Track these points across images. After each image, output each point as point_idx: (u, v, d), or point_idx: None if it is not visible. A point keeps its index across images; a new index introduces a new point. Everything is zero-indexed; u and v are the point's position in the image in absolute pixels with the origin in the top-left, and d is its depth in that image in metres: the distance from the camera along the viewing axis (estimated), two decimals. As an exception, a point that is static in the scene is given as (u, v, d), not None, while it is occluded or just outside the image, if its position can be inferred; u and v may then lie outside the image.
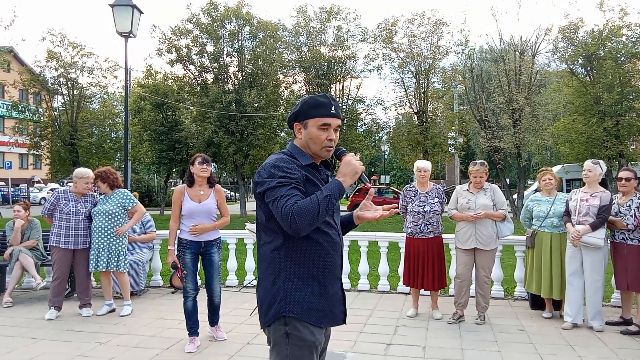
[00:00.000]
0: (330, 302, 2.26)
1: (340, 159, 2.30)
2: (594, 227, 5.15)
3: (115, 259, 5.93)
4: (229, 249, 7.69)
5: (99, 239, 5.88)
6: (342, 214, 2.52)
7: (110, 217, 5.90)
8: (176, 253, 4.92)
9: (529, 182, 27.40)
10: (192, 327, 4.82)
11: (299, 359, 2.18)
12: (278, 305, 2.19)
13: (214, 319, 5.08)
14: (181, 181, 29.96)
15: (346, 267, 7.34)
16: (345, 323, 2.37)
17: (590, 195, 5.33)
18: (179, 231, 4.88)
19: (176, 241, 4.90)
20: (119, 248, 5.95)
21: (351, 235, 7.67)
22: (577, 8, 41.05)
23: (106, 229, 5.89)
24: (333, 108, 2.26)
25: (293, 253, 2.21)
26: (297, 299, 2.18)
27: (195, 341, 4.78)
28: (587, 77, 20.52)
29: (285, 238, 2.20)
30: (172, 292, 7.17)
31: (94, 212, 5.95)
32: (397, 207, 2.47)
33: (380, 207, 2.46)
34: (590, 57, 19.62)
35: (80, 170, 6.15)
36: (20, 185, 37.74)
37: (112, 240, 5.90)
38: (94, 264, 5.90)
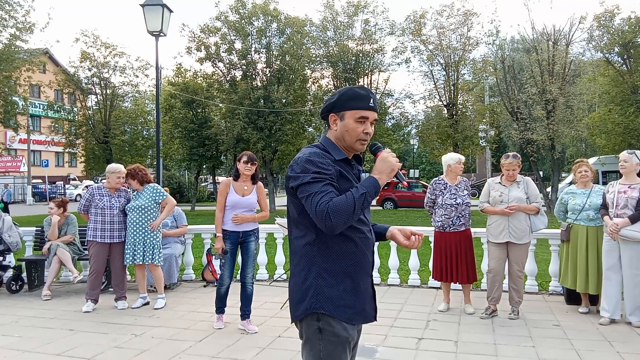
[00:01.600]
0: (361, 298, 2.23)
1: (376, 154, 2.26)
2: (634, 219, 4.99)
3: (150, 252, 6.07)
4: (259, 243, 7.75)
5: (134, 233, 6.03)
6: (378, 223, 2.50)
7: (143, 211, 6.04)
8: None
9: (563, 175, 26.73)
10: (220, 307, 5.27)
11: (332, 355, 2.16)
12: (309, 301, 2.16)
13: (246, 310, 5.17)
14: (211, 177, 30.46)
15: (376, 261, 7.31)
16: (376, 320, 2.34)
17: (629, 187, 5.17)
18: None
19: None
20: (154, 242, 6.09)
21: (381, 229, 7.63)
22: (613, -5, 39.82)
23: (140, 223, 6.04)
24: (371, 101, 2.22)
25: (325, 249, 2.17)
26: (328, 295, 2.15)
27: (223, 318, 5.27)
28: (624, 65, 19.86)
29: (318, 234, 2.16)
30: (204, 286, 7.28)
31: (128, 208, 6.11)
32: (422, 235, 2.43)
33: (414, 236, 2.41)
34: (627, 45, 18.98)
35: (113, 166, 6.32)
36: (57, 183, 38.90)
37: (146, 234, 6.05)
38: (130, 258, 6.05)
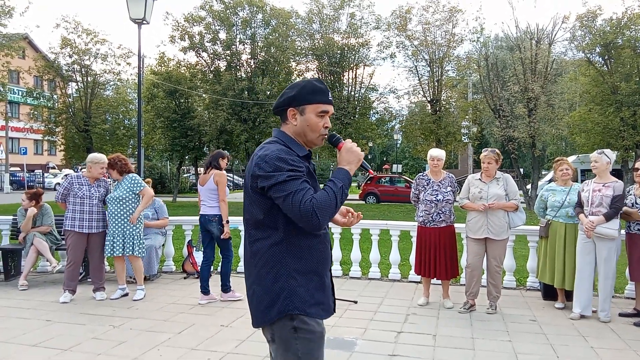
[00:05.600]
0: (327, 294, 2.25)
1: (337, 145, 2.24)
2: (608, 217, 5.09)
3: (130, 243, 6.00)
4: (240, 235, 7.72)
5: (113, 224, 5.96)
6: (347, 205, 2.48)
7: (121, 202, 5.97)
8: (221, 226, 5.87)
9: (543, 172, 27.10)
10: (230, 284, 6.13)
11: (311, 352, 2.16)
12: (283, 303, 2.12)
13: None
14: (193, 168, 30.19)
15: (357, 255, 7.35)
16: (335, 312, 2.34)
17: (603, 186, 5.27)
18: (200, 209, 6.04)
19: (215, 217, 5.92)
20: (134, 233, 6.02)
21: (363, 223, 7.65)
22: (596, -5, 40.28)
23: (119, 214, 5.96)
24: (330, 95, 2.22)
25: (293, 248, 2.14)
26: (301, 295, 2.13)
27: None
28: (605, 66, 20.16)
29: (286, 234, 2.12)
30: (185, 278, 7.23)
31: (108, 199, 6.03)
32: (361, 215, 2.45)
33: (350, 214, 2.43)
34: (608, 45, 19.27)
35: (95, 156, 6.21)
36: (35, 171, 38.22)
37: (125, 225, 5.97)
38: (109, 250, 5.98)
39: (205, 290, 5.91)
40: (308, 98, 2.18)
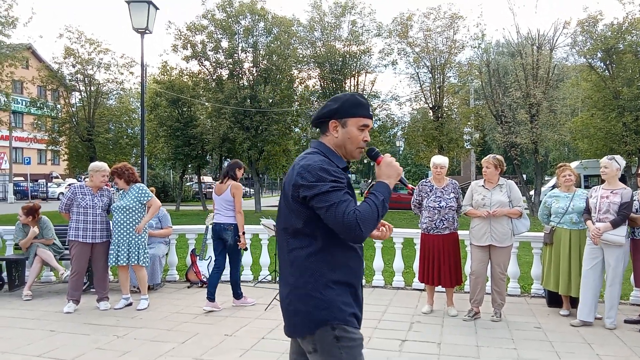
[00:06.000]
0: (360, 307, 2.25)
1: (376, 159, 2.25)
2: (615, 224, 5.07)
3: (136, 253, 6.00)
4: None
5: (118, 234, 5.96)
6: None
7: (127, 212, 5.97)
8: (236, 236, 5.98)
9: (546, 178, 27.07)
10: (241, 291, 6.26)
11: (355, 358, 2.15)
12: (322, 314, 2.11)
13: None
14: (196, 177, 30.18)
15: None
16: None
17: (611, 192, 5.25)
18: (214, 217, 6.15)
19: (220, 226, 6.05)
20: (139, 242, 6.02)
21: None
22: (597, 1, 40.37)
23: (125, 224, 5.96)
24: (370, 109, 2.25)
25: (331, 259, 2.13)
26: (339, 305, 2.12)
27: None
28: (606, 71, 20.17)
29: (325, 244, 2.12)
30: (188, 287, 7.23)
31: (113, 208, 6.03)
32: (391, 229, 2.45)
33: (383, 227, 2.41)
34: (610, 50, 19.28)
35: (96, 164, 6.22)
36: (39, 181, 38.32)
37: (131, 235, 5.97)
38: (114, 259, 5.97)
39: (211, 297, 5.93)
40: (351, 111, 2.21)
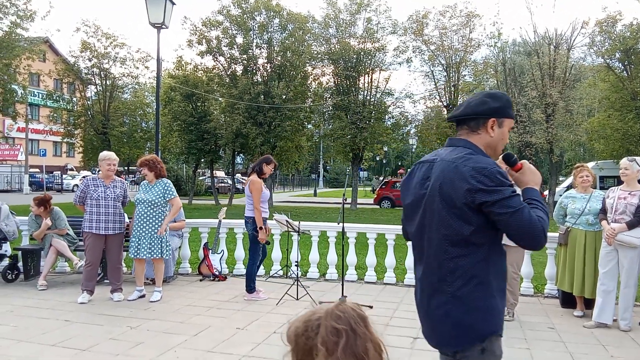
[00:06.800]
0: None
1: (514, 166, 2.16)
2: (631, 225, 5.00)
3: (158, 246, 6.05)
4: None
5: (140, 226, 6.00)
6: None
7: (151, 206, 6.02)
8: (255, 231, 6.08)
9: (560, 179, 26.78)
10: (254, 286, 6.22)
11: None
12: (484, 324, 1.98)
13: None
14: (209, 171, 30.33)
15: (372, 259, 7.33)
16: None
17: (629, 194, 5.18)
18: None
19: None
20: (161, 236, 6.06)
21: (378, 228, 7.64)
22: (616, 1, 39.82)
23: (147, 217, 6.01)
24: None
25: (493, 266, 2.01)
26: (500, 314, 2.03)
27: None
28: (625, 72, 19.91)
29: (489, 251, 1.99)
30: (200, 280, 7.27)
31: (137, 200, 6.07)
32: None
33: None
34: (628, 51, 19.01)
35: (103, 153, 6.27)
36: (54, 173, 38.78)
37: (153, 228, 6.02)
38: (134, 251, 6.02)
39: (250, 289, 6.17)
40: (508, 112, 2.12)
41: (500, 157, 2.18)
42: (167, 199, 6.12)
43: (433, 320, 2.10)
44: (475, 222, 1.95)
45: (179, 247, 7.58)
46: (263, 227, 6.10)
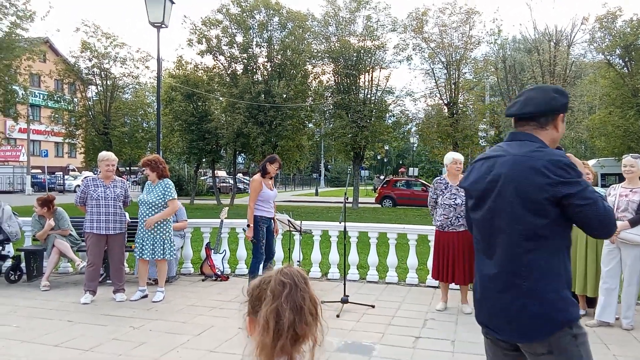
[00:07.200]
0: None
1: None
2: (633, 223, 5.00)
3: (161, 247, 6.07)
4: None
5: (143, 227, 6.03)
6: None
7: (152, 207, 6.04)
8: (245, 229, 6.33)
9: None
10: None
11: (589, 353, 2.10)
12: (564, 314, 2.03)
13: None
14: (210, 171, 30.34)
15: (374, 258, 7.34)
16: None
17: (630, 191, 5.18)
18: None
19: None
20: (164, 236, 6.09)
21: (380, 227, 7.65)
22: (616, -4, 39.72)
23: (148, 218, 6.03)
24: None
25: (563, 258, 2.06)
26: (573, 302, 2.09)
27: None
28: (625, 68, 19.85)
29: (560, 244, 2.04)
30: (203, 280, 7.29)
31: (140, 201, 6.10)
32: None
33: None
34: (629, 47, 18.96)
35: (102, 154, 6.29)
36: (56, 173, 38.83)
37: (156, 230, 6.05)
38: (139, 252, 6.07)
39: None
40: (567, 107, 2.14)
41: None
42: (167, 200, 6.13)
43: (508, 315, 2.10)
44: (551, 215, 1.98)
45: (181, 247, 7.60)
46: (258, 225, 6.24)
